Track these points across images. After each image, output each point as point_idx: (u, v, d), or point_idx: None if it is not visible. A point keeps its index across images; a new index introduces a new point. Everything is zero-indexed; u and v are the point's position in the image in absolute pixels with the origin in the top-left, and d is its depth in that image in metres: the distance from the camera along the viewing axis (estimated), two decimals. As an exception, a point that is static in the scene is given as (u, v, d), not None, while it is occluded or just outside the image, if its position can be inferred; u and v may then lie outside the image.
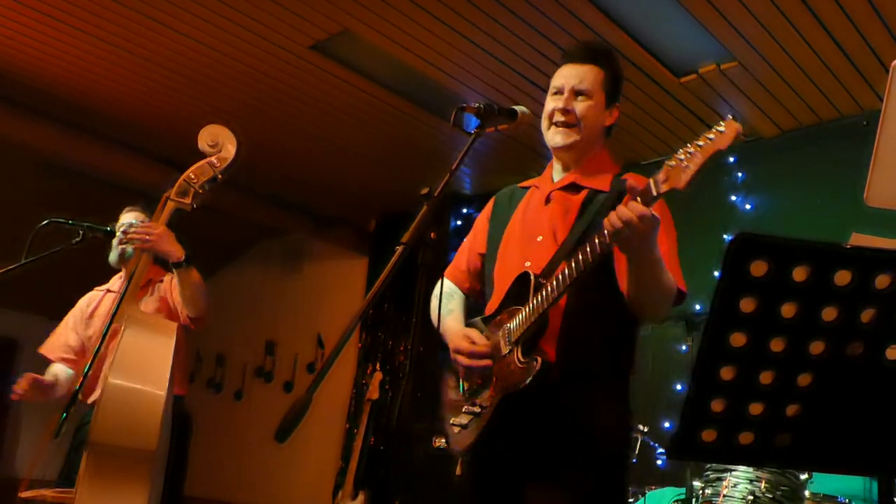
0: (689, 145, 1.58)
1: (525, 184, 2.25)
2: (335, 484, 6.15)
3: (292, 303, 7.62)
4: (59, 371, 3.21)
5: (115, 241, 3.32)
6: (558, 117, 2.05)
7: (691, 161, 1.57)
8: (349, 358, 6.65)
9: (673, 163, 1.60)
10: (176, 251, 2.85)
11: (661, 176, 1.63)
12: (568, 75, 2.08)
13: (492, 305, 2.10)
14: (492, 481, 2.01)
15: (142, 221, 3.21)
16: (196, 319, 3.07)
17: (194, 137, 2.81)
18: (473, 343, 2.00)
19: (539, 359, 1.85)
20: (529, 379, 1.83)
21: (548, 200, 2.09)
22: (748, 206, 4.76)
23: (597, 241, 1.74)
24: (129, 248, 3.16)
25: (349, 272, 7.10)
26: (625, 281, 1.88)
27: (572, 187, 2.08)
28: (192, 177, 2.78)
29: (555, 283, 1.84)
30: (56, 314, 3.38)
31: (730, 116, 1.55)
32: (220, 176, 2.82)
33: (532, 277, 1.95)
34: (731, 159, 4.88)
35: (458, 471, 2.04)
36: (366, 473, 5.37)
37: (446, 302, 2.19)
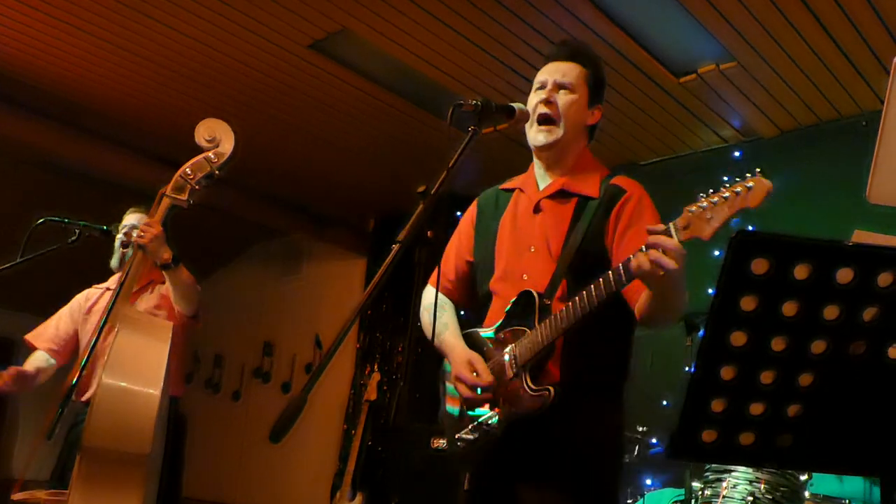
0: (712, 193, 1.51)
1: (508, 185, 2.22)
2: (333, 485, 6.12)
3: (291, 303, 7.60)
4: (40, 361, 3.22)
5: (116, 244, 3.30)
6: (541, 109, 2.03)
7: (716, 213, 1.50)
8: (347, 359, 6.64)
9: (694, 209, 1.54)
10: (163, 253, 2.80)
11: (680, 222, 1.57)
12: (551, 70, 2.08)
13: (491, 319, 2.07)
14: (491, 489, 2.01)
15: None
16: (192, 318, 3.07)
17: (192, 136, 2.77)
18: (476, 374, 1.94)
19: (551, 389, 1.85)
20: (541, 408, 1.84)
21: (537, 209, 2.07)
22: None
23: (612, 277, 1.72)
24: (130, 252, 3.11)
25: (348, 273, 7.09)
26: (636, 301, 1.85)
27: (561, 194, 2.05)
28: (189, 172, 2.67)
29: (565, 313, 1.82)
30: (52, 313, 3.37)
31: (758, 171, 1.47)
32: (217, 172, 2.70)
33: (536, 297, 1.93)
34: (735, 155, 4.89)
35: (465, 485, 2.03)
36: (363, 474, 5.35)
37: (439, 315, 2.13)
